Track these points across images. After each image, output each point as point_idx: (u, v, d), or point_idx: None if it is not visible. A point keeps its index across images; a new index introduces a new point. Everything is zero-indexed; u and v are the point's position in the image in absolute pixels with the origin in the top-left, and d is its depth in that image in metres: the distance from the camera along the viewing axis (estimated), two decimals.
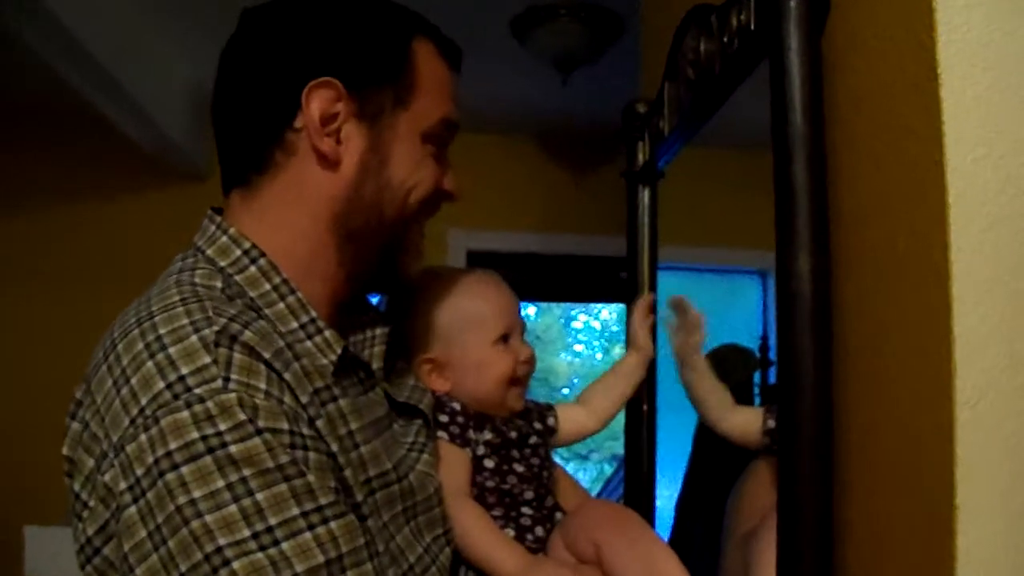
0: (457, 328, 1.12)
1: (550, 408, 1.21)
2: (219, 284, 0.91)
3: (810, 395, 0.89)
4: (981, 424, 0.74)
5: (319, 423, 0.84)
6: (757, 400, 2.25)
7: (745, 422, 1.20)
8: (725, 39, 1.12)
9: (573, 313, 9.78)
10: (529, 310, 8.93)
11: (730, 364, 2.17)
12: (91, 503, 0.81)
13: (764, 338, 2.34)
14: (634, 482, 1.55)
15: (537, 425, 1.17)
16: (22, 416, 3.57)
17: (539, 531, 1.08)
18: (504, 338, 1.13)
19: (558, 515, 1.11)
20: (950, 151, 0.77)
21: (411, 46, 0.99)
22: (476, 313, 1.13)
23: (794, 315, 0.91)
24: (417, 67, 0.99)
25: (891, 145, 0.86)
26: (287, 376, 0.83)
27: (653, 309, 1.33)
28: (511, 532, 1.07)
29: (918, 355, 0.80)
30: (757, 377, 2.27)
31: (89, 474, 0.82)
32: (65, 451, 0.86)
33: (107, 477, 0.79)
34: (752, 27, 1.03)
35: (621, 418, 1.59)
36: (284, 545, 0.75)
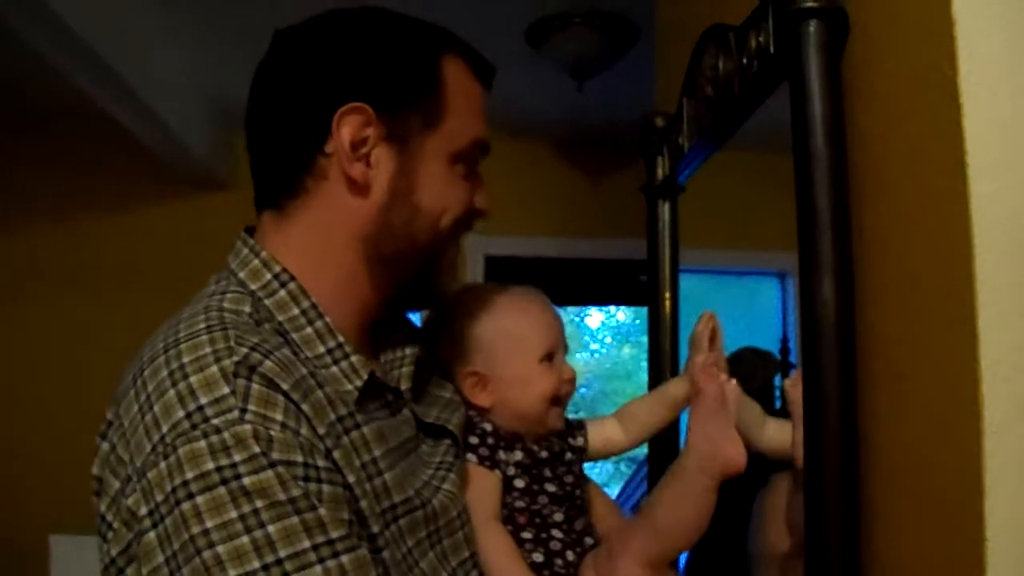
0: (502, 344, 1.12)
1: (581, 427, 1.19)
2: (247, 309, 0.91)
3: (835, 420, 0.89)
4: (1010, 453, 0.74)
5: (336, 454, 0.84)
6: (777, 403, 2.24)
7: (780, 434, 1.19)
8: (744, 60, 1.12)
9: (588, 311, 9.77)
10: None
11: (750, 367, 2.17)
12: (115, 525, 0.83)
13: (784, 340, 2.33)
14: (657, 481, 1.54)
15: (571, 441, 1.17)
16: (47, 426, 3.60)
17: (569, 555, 1.07)
18: (549, 356, 1.13)
19: (588, 539, 1.10)
20: (973, 180, 0.77)
21: (440, 66, 0.98)
22: (522, 330, 1.13)
23: (819, 338, 0.91)
24: (446, 87, 0.98)
25: (913, 173, 0.86)
26: (305, 407, 0.83)
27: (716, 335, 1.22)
28: (540, 557, 1.06)
29: (945, 383, 0.80)
30: (778, 379, 2.27)
31: (115, 496, 0.83)
32: (94, 471, 0.88)
33: (130, 501, 0.80)
34: (771, 49, 1.03)
35: None
36: None
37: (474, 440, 1.09)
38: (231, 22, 2.78)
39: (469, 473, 1.06)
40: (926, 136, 0.84)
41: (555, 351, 1.14)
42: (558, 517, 1.09)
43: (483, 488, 1.06)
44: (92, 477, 0.88)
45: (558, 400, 1.13)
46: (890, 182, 0.91)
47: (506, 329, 1.13)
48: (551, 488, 1.10)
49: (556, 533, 1.08)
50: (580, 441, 1.18)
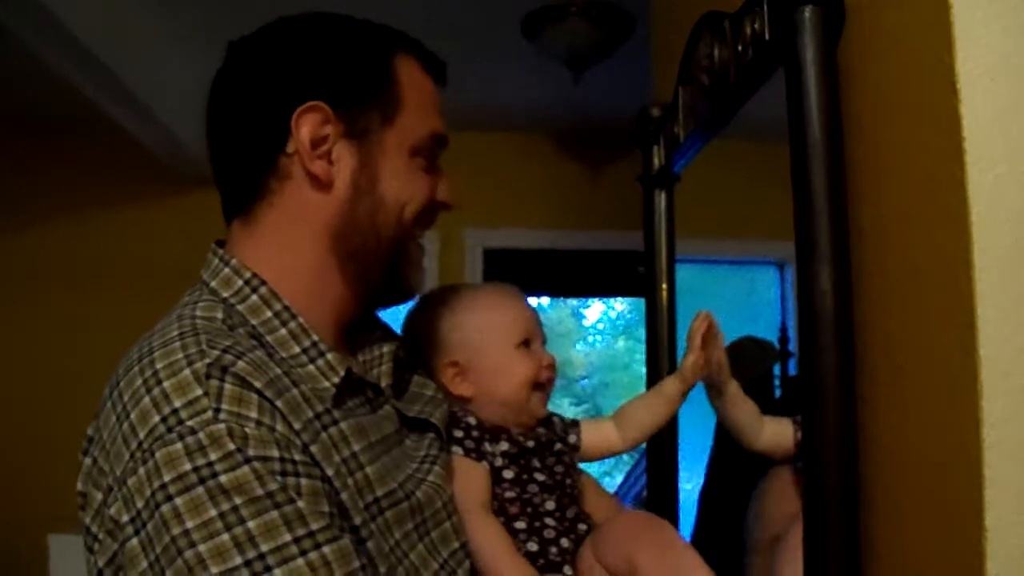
0: (480, 334, 1.15)
1: (575, 424, 1.21)
2: (220, 315, 0.93)
3: (834, 412, 0.89)
4: (1010, 445, 0.73)
5: (314, 448, 0.85)
6: (777, 392, 2.24)
7: (776, 436, 1.20)
8: (739, 47, 1.12)
9: (588, 303, 9.80)
10: (543, 300, 8.95)
11: (750, 357, 2.17)
12: (100, 536, 0.84)
13: (783, 329, 2.33)
14: (657, 473, 1.55)
15: (560, 435, 1.18)
16: (46, 425, 3.60)
17: (564, 543, 1.08)
18: (525, 343, 1.15)
19: (581, 526, 1.11)
20: (971, 169, 0.76)
21: (393, 63, 1.01)
22: (498, 319, 1.16)
23: (817, 329, 0.91)
24: (400, 83, 1.00)
25: (911, 162, 0.86)
26: (279, 404, 0.84)
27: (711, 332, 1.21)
28: (534, 546, 1.07)
29: (944, 374, 0.80)
30: (777, 369, 2.27)
31: (98, 508, 0.84)
32: (79, 486, 0.89)
33: (113, 510, 0.82)
34: (766, 36, 1.02)
35: None
36: (276, 571, 0.76)
37: (459, 434, 1.11)
38: (233, 24, 2.78)
39: (456, 466, 1.07)
40: (924, 124, 0.83)
41: (531, 338, 1.16)
42: (550, 505, 1.10)
43: (471, 479, 1.07)
44: (77, 493, 0.89)
45: (539, 386, 1.16)
46: (888, 171, 0.90)
47: (483, 319, 1.16)
48: (540, 477, 1.11)
49: (549, 521, 1.09)
50: (573, 439, 1.19)
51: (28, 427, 3.69)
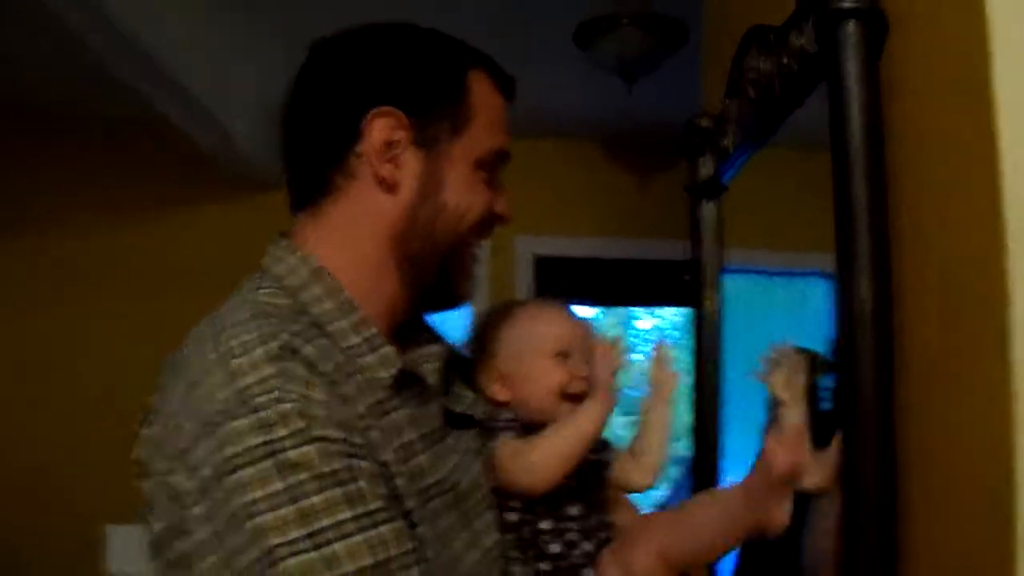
0: (517, 343, 1.19)
1: (609, 447, 1.23)
2: (285, 302, 0.97)
3: (872, 421, 0.90)
4: None
5: (373, 434, 0.89)
6: (822, 404, 2.22)
7: (813, 478, 1.20)
8: (784, 60, 1.13)
9: (636, 313, 9.74)
10: (596, 310, 8.92)
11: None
12: (161, 501, 0.87)
13: (835, 341, 2.30)
14: (701, 486, 1.56)
15: (596, 446, 1.19)
16: (104, 416, 3.65)
17: (587, 546, 1.12)
18: (562, 354, 1.18)
19: (602, 534, 1.14)
20: (1008, 179, 0.77)
21: (467, 77, 1.04)
22: (534, 328, 1.20)
23: (856, 337, 0.92)
24: (472, 97, 1.04)
25: (950, 171, 0.87)
26: (344, 389, 0.88)
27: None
28: (557, 548, 1.10)
29: (978, 381, 0.81)
30: (828, 381, 2.24)
31: (159, 475, 0.87)
32: (137, 455, 0.92)
33: (176, 478, 0.85)
34: (811, 50, 1.04)
35: (686, 418, 1.60)
36: (336, 545, 0.79)
37: (502, 425, 1.14)
38: (282, 24, 2.83)
39: (508, 444, 1.11)
40: (961, 135, 0.84)
41: (570, 351, 1.19)
42: (574, 511, 1.13)
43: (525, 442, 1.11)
44: (134, 462, 0.92)
45: (571, 397, 1.17)
46: (928, 182, 0.91)
47: (521, 329, 1.20)
48: (568, 482, 1.13)
49: (572, 525, 1.12)
50: (610, 457, 1.21)
51: (90, 419, 3.70)
